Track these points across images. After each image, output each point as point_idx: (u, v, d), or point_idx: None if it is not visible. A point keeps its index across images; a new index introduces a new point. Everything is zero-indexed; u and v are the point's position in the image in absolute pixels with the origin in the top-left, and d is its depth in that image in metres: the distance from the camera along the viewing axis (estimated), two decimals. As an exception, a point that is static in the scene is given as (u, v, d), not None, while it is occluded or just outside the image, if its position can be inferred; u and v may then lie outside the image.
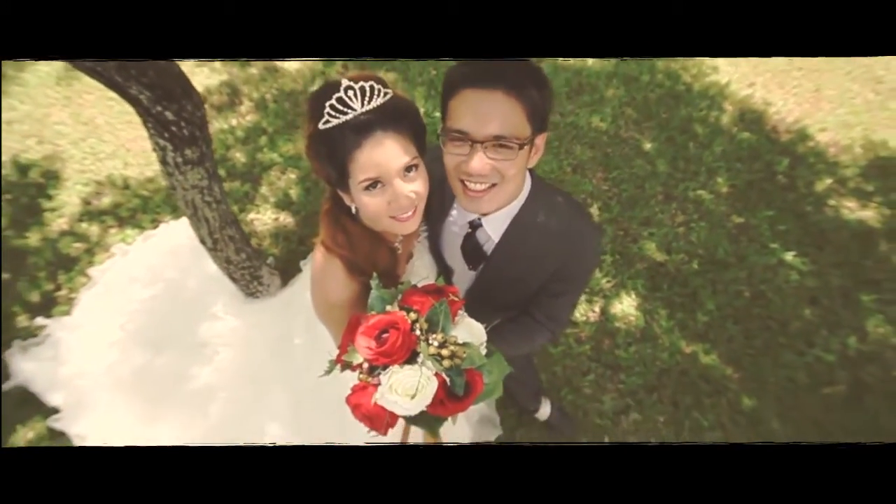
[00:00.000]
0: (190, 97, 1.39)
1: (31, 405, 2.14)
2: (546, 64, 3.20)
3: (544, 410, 2.10)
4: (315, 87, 3.14)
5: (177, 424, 2.00)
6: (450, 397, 0.84)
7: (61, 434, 2.08)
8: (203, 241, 1.79)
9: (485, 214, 1.10)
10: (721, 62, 3.31)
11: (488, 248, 1.14)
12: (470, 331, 0.89)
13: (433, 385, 0.82)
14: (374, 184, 0.95)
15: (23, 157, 2.79)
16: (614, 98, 3.08)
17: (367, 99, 0.92)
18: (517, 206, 1.09)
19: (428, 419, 0.86)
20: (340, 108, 0.91)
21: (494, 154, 0.95)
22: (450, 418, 0.88)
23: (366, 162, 0.93)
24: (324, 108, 0.92)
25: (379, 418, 0.85)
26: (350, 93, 0.91)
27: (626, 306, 2.44)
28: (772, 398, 2.26)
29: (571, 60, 3.25)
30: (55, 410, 2.12)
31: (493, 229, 1.11)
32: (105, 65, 1.14)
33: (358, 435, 1.58)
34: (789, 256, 2.60)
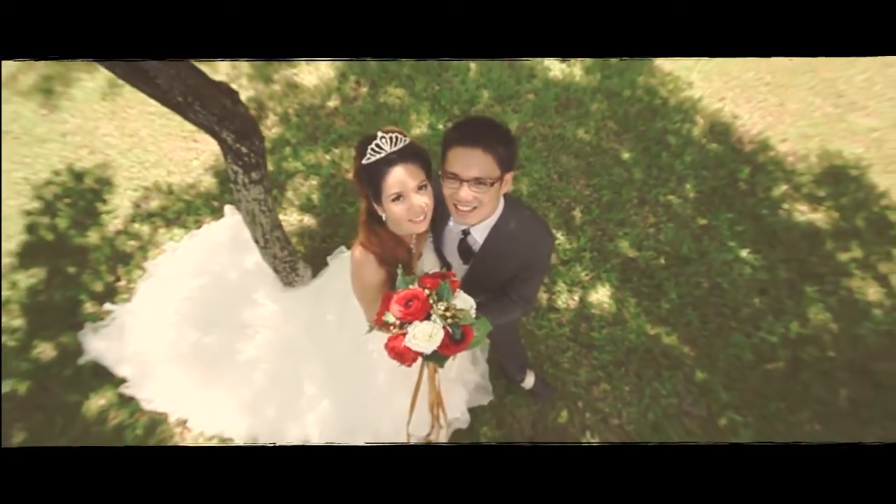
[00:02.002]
0: (257, 134, 1.97)
1: (102, 377, 2.74)
2: (538, 80, 3.77)
3: (529, 381, 2.69)
4: (330, 101, 3.69)
5: (227, 389, 2.60)
6: (452, 342, 1.43)
7: (130, 398, 2.68)
8: (257, 241, 2.38)
9: (472, 226, 1.67)
10: (696, 78, 3.88)
11: (476, 248, 1.71)
12: (464, 301, 1.48)
13: (441, 334, 1.40)
14: (397, 197, 1.53)
15: (77, 166, 3.38)
16: (598, 112, 3.65)
17: (394, 144, 1.51)
18: (494, 220, 1.66)
19: (438, 356, 1.45)
20: (377, 149, 1.51)
21: (475, 189, 1.51)
22: (451, 357, 1.47)
23: (392, 182, 1.51)
24: (367, 150, 1.51)
25: (406, 355, 1.43)
26: (383, 140, 1.50)
27: (601, 295, 3.02)
28: (721, 372, 2.85)
29: (561, 76, 3.82)
30: (123, 380, 2.71)
31: (479, 236, 1.69)
32: (208, 118, 1.73)
33: (379, 389, 2.17)
34: (744, 253, 3.18)
